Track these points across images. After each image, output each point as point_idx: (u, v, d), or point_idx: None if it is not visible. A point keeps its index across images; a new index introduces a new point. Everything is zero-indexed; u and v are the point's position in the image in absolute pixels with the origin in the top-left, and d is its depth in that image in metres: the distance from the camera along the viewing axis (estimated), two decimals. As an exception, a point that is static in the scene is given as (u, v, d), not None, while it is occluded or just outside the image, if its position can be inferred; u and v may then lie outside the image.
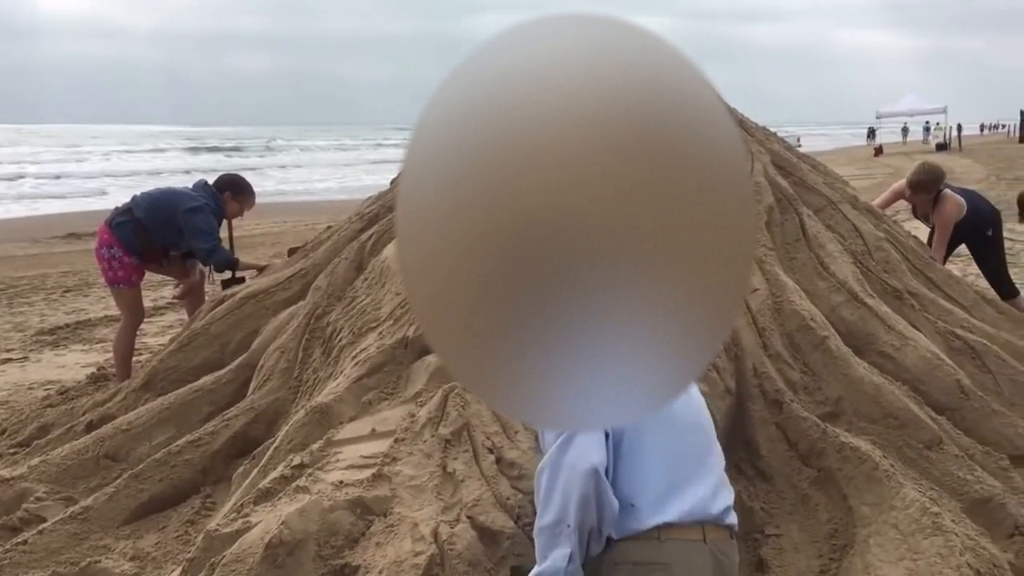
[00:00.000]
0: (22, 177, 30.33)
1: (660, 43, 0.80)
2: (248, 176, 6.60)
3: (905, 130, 53.53)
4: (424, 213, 0.78)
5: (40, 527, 3.56)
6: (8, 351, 7.49)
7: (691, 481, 2.11)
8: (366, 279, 4.34)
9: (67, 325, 8.39)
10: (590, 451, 2.01)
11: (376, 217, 4.97)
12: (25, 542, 3.44)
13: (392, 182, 5.53)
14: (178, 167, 34.69)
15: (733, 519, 2.19)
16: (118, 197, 5.64)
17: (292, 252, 5.72)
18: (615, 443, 2.10)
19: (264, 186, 25.05)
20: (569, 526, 1.98)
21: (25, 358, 7.26)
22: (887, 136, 47.89)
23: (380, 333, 3.82)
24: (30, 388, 6.30)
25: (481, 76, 0.78)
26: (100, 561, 3.33)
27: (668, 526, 2.04)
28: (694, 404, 2.25)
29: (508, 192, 0.73)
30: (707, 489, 2.13)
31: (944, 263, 5.78)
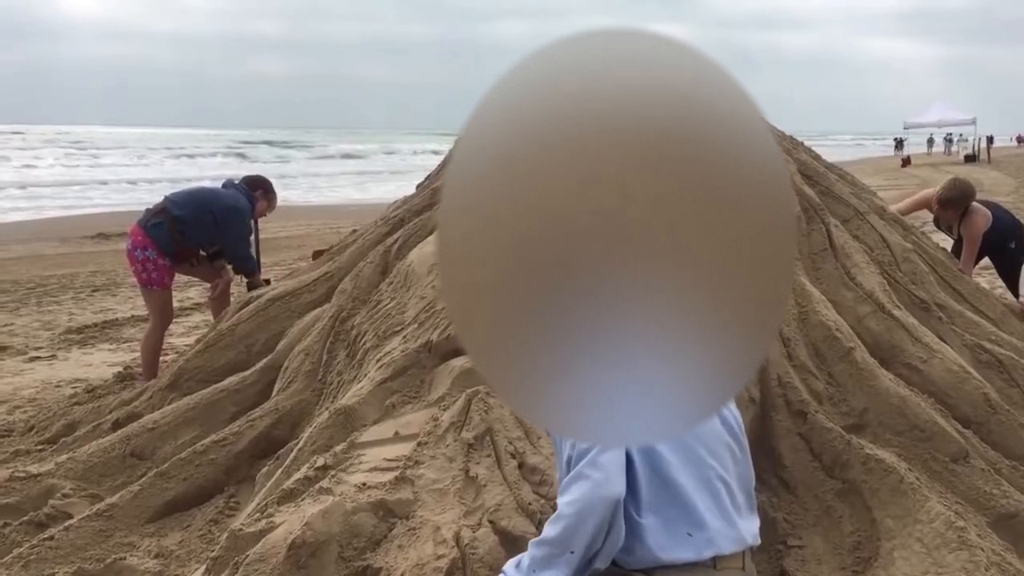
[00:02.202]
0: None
1: (700, 56, 0.81)
2: (274, 179, 6.68)
3: (930, 141, 53.17)
4: (469, 201, 0.79)
5: (66, 523, 3.60)
6: (37, 349, 7.58)
7: (737, 510, 2.18)
8: (391, 283, 4.36)
9: (95, 324, 8.48)
10: (614, 479, 2.01)
11: (401, 221, 5.00)
12: (51, 538, 3.48)
13: (418, 187, 5.55)
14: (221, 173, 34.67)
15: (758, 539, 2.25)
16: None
17: (317, 255, 5.76)
18: (651, 467, 2.10)
19: (291, 188, 25.24)
20: (572, 553, 2.00)
21: (53, 356, 7.35)
22: (913, 147, 47.52)
23: (404, 337, 3.84)
24: (58, 386, 6.38)
25: (535, 77, 0.79)
26: (125, 558, 3.36)
27: (722, 556, 2.09)
28: (728, 420, 2.26)
29: (551, 187, 0.74)
30: (747, 515, 2.21)
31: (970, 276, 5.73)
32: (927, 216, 6.66)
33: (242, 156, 50.09)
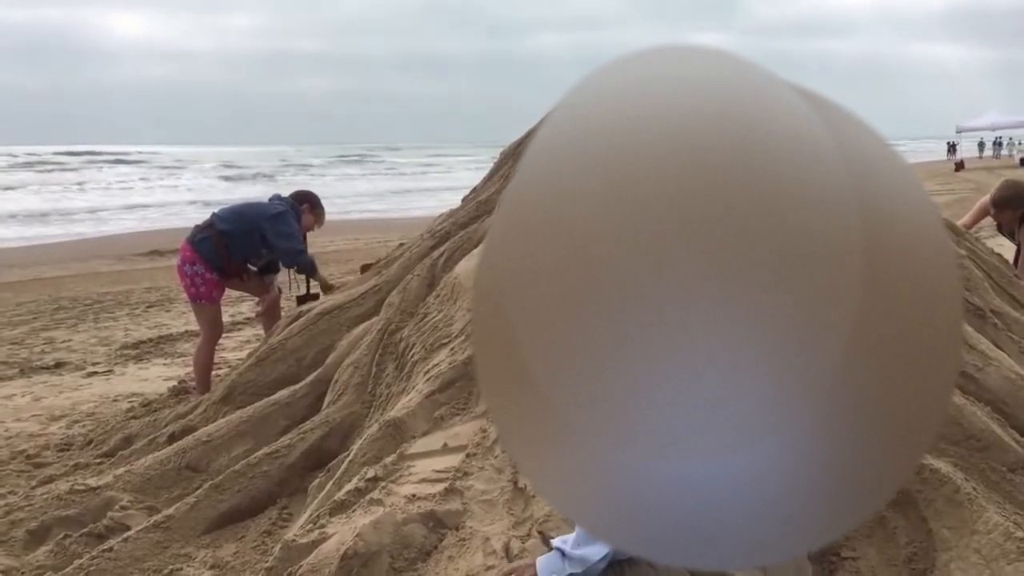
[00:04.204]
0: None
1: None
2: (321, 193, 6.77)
3: (981, 145, 52.04)
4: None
5: (125, 535, 3.68)
6: (94, 364, 7.77)
7: None
8: (438, 296, 4.40)
9: (150, 340, 8.67)
10: None
11: (448, 234, 5.04)
12: (111, 549, 3.56)
13: (463, 200, 5.59)
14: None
15: None
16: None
17: (365, 269, 5.83)
18: None
19: (336, 203, 25.41)
20: None
21: (110, 371, 7.52)
22: (964, 152, 46.56)
23: (452, 349, 3.87)
24: (115, 400, 6.52)
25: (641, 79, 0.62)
26: (182, 569, 3.43)
27: None
28: None
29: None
30: None
31: (1031, 282, 5.59)
32: (985, 221, 6.52)
33: (305, 172, 50.33)
